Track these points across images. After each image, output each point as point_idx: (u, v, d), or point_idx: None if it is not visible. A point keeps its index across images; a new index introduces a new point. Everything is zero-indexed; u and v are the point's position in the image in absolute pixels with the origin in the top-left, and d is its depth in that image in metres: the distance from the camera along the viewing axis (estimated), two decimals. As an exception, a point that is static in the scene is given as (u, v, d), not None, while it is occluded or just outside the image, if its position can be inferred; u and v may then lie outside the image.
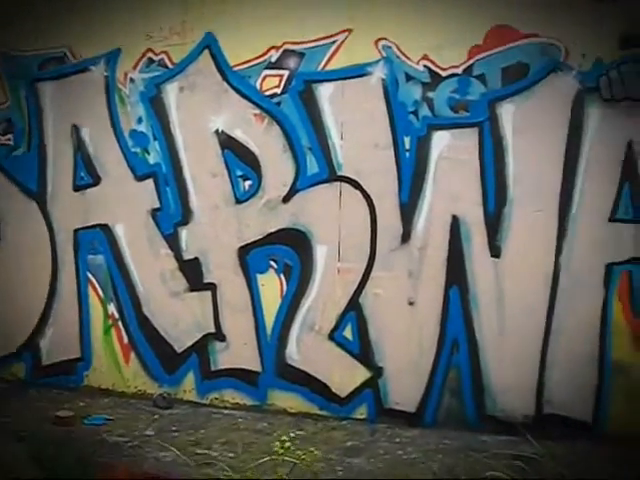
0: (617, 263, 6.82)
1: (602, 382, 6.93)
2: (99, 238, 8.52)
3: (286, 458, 6.05)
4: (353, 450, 6.94)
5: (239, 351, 8.02)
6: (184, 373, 8.27)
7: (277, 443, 6.12)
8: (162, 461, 6.51)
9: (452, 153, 7.17)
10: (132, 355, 8.53)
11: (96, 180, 8.49)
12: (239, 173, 7.81)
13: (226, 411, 8.05)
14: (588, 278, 6.90)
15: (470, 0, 7.09)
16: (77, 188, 8.60)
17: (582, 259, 6.93)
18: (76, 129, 8.52)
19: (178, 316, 8.28)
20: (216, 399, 8.19)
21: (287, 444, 6.06)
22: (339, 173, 7.50)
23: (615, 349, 6.87)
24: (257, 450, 6.76)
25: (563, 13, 6.87)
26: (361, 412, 7.63)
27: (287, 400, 7.87)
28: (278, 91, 7.62)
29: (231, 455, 6.68)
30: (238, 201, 7.83)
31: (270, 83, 7.65)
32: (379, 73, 7.31)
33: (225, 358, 8.11)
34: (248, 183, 7.80)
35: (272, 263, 7.83)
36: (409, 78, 7.20)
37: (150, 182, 8.18)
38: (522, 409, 7.12)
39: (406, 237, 7.28)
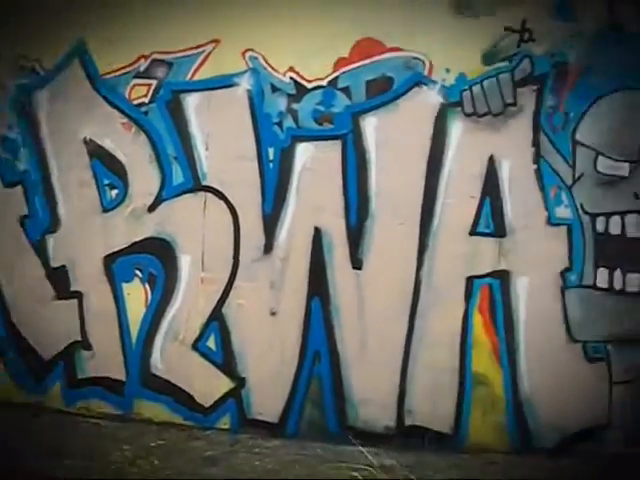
0: (477, 277, 5.08)
1: (462, 394, 5.14)
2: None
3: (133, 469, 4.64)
4: (210, 460, 4.99)
5: (105, 360, 5.78)
6: (52, 381, 5.87)
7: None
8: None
9: (315, 165, 5.29)
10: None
11: (-36, 185, 7.72)
12: (106, 182, 5.60)
13: (93, 420, 5.70)
14: (449, 291, 5.16)
15: (337, 13, 5.20)
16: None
17: (443, 272, 5.17)
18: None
19: (46, 324, 5.88)
20: (83, 408, 5.84)
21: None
22: (204, 183, 5.46)
23: (475, 361, 5.10)
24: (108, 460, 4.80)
25: (428, 28, 5.11)
26: (224, 422, 5.54)
27: (152, 409, 5.67)
28: (146, 100, 5.49)
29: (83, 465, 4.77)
30: (105, 210, 5.64)
31: (138, 92, 5.53)
32: (245, 84, 5.31)
33: (91, 367, 5.80)
34: (115, 192, 5.62)
35: (137, 272, 5.66)
36: (275, 89, 5.28)
37: (19, 189, 5.81)
38: (384, 420, 5.27)
39: (269, 248, 5.32)
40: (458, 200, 5.06)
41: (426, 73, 5.03)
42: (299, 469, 4.85)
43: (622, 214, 4.89)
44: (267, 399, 5.37)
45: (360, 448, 4.93)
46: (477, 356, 5.07)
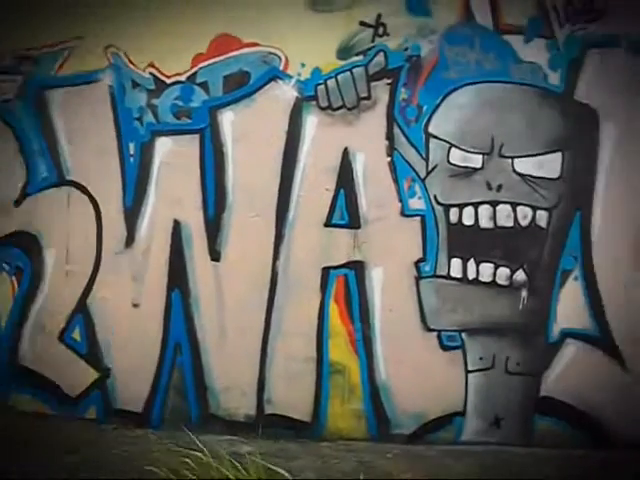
0: (333, 267, 4.04)
1: (320, 382, 4.08)
2: None
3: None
4: (70, 449, 3.79)
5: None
6: None
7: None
8: None
9: (174, 159, 4.16)
10: None
11: None
12: (-25, 176, 5.47)
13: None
14: (305, 282, 4.08)
15: (196, 9, 4.10)
16: None
17: (299, 263, 4.10)
18: None
19: None
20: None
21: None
22: (68, 178, 4.32)
23: (332, 351, 4.06)
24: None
25: (284, 23, 4.07)
26: (91, 413, 4.36)
27: (23, 401, 4.45)
28: (12, 95, 4.34)
29: None
30: (-27, 204, 5.49)
31: (4, 88, 4.33)
32: (107, 80, 4.23)
33: (-35, 359, 5.72)
34: (-17, 186, 5.50)
35: (4, 265, 4.47)
36: (135, 85, 4.18)
37: None
38: (244, 409, 4.15)
39: (130, 241, 4.23)
40: (313, 192, 4.04)
41: (282, 68, 4.04)
42: (160, 456, 3.60)
43: (475, 205, 3.96)
44: (131, 389, 4.28)
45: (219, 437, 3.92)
46: (334, 345, 4.06)
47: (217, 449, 3.69)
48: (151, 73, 4.15)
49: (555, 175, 3.99)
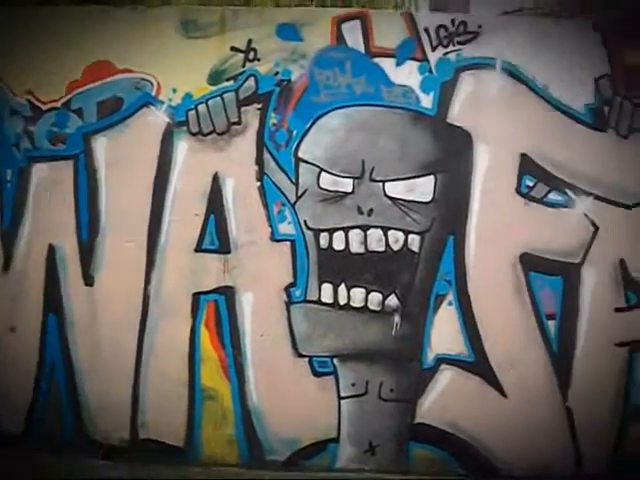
0: (203, 293, 3.79)
1: (193, 407, 3.82)
2: None
3: None
4: None
5: None
6: None
7: None
8: None
9: (50, 184, 3.93)
10: None
11: None
12: None
13: None
14: (176, 307, 3.80)
15: (71, 36, 3.89)
16: None
17: (170, 288, 3.81)
18: None
19: None
20: None
21: None
22: None
23: (204, 376, 3.81)
24: None
25: (156, 49, 3.79)
26: None
27: None
28: None
29: None
30: None
31: None
32: None
33: None
34: None
35: None
36: (13, 112, 3.95)
37: None
38: (119, 432, 3.89)
39: (8, 265, 4.00)
40: (184, 217, 3.81)
41: (154, 94, 3.81)
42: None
43: (346, 229, 3.69)
44: (10, 412, 4.05)
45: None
46: (206, 370, 3.83)
47: (87, 473, 3.54)
48: (28, 100, 3.94)
49: (427, 199, 3.63)
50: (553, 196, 3.49)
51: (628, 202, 3.51)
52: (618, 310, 3.51)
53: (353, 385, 3.47)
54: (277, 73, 3.49)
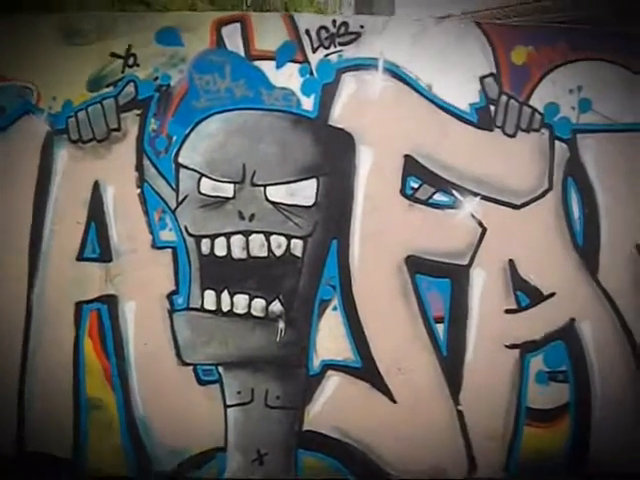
0: (86, 302, 3.69)
1: (79, 418, 3.72)
2: None
3: None
4: None
5: None
6: None
7: None
8: None
9: None
10: None
11: None
12: None
13: None
14: (60, 316, 3.71)
15: None
16: None
17: (53, 297, 3.72)
18: None
19: None
20: None
21: None
22: None
23: (89, 386, 3.71)
24: None
25: (37, 56, 3.72)
26: None
27: None
28: None
29: None
30: None
31: None
32: None
33: None
34: None
35: None
36: None
37: None
38: (4, 447, 3.78)
39: None
40: (65, 226, 3.72)
41: (35, 102, 3.73)
42: None
43: (227, 235, 3.62)
44: None
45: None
46: (90, 380, 3.74)
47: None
48: None
49: (309, 202, 3.58)
50: (439, 197, 3.42)
51: (516, 202, 3.43)
52: (508, 312, 3.42)
53: (239, 393, 3.39)
54: (157, 78, 3.42)
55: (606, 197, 3.53)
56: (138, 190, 3.46)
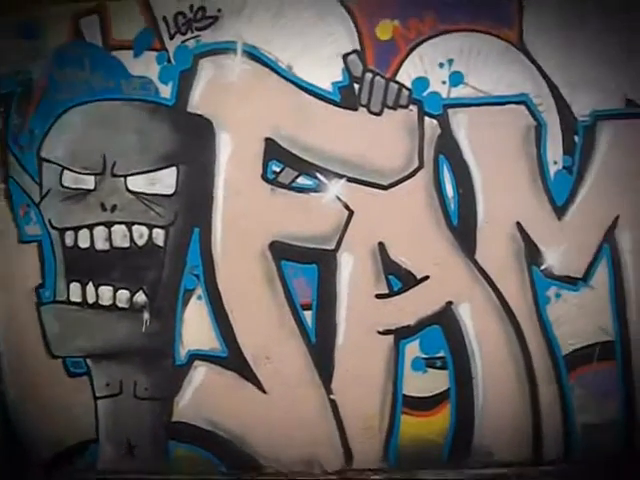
0: None
1: None
2: None
3: None
4: None
5: None
6: None
7: None
8: None
9: None
10: None
11: None
12: None
13: None
14: None
15: None
16: None
17: None
18: None
19: None
20: None
21: None
22: None
23: None
24: None
25: None
26: None
27: None
28: None
29: None
30: None
31: None
32: None
33: None
34: None
35: None
36: None
37: None
38: None
39: None
40: None
41: None
42: None
43: (90, 227, 3.58)
44: None
45: None
46: None
47: None
48: None
49: (170, 191, 3.51)
50: (302, 180, 3.31)
51: (384, 182, 3.29)
52: (380, 296, 3.28)
53: (107, 385, 3.36)
54: (18, 73, 3.39)
55: (482, 174, 3.31)
56: (3, 185, 3.42)
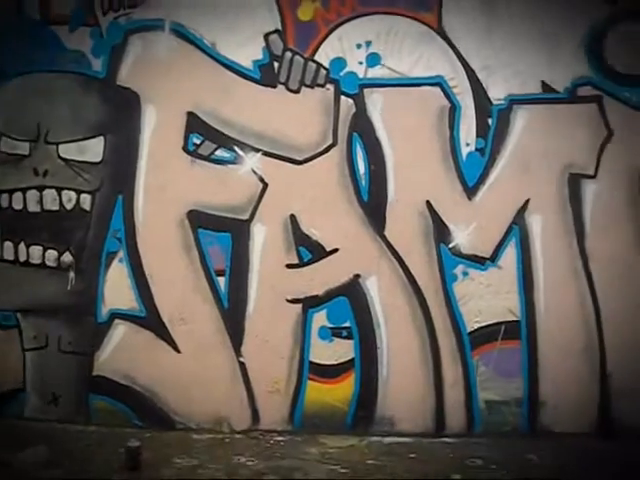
0: None
1: None
2: None
3: None
4: None
5: None
6: None
7: None
8: None
9: None
10: None
11: None
12: None
13: None
14: None
15: None
16: None
17: None
18: None
19: None
20: None
21: None
22: None
23: None
24: None
25: None
26: None
27: None
28: None
29: None
30: None
31: None
32: None
33: None
34: None
35: None
36: None
37: None
38: None
39: None
40: None
41: None
42: None
43: (23, 190, 3.77)
44: None
45: None
46: None
47: None
48: None
49: (97, 159, 3.69)
50: (220, 153, 3.48)
51: (298, 157, 3.45)
52: (290, 266, 3.45)
53: (35, 338, 3.60)
54: None
55: (394, 153, 3.44)
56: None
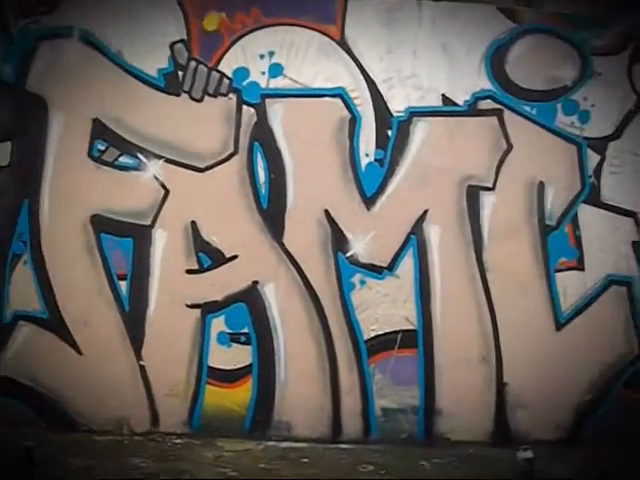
0: None
1: None
2: None
3: None
4: None
5: None
6: None
7: None
8: None
9: None
10: None
11: None
12: None
13: None
14: None
15: None
16: None
17: None
18: None
19: None
20: None
21: None
22: None
23: None
24: None
25: None
26: None
27: None
28: None
29: None
30: None
31: None
32: None
33: None
34: None
35: None
36: None
37: None
38: None
39: None
40: None
41: None
42: None
43: None
44: None
45: None
46: None
47: None
48: None
49: (4, 163, 3.73)
50: (124, 159, 3.54)
51: (200, 165, 3.51)
52: (190, 272, 3.51)
53: None
54: None
55: (293, 162, 3.50)
56: None
